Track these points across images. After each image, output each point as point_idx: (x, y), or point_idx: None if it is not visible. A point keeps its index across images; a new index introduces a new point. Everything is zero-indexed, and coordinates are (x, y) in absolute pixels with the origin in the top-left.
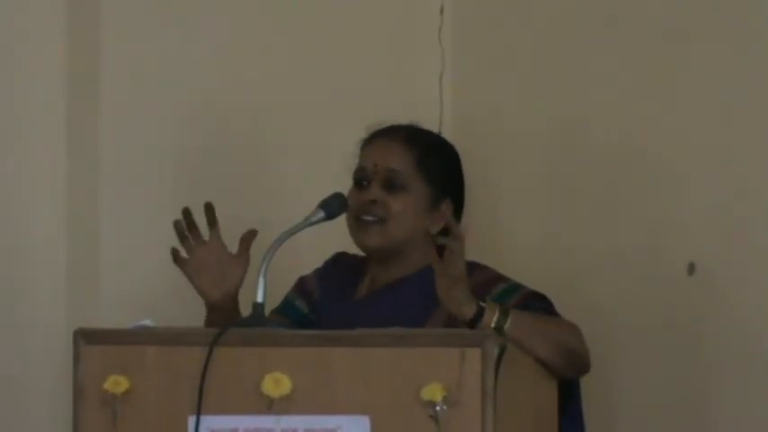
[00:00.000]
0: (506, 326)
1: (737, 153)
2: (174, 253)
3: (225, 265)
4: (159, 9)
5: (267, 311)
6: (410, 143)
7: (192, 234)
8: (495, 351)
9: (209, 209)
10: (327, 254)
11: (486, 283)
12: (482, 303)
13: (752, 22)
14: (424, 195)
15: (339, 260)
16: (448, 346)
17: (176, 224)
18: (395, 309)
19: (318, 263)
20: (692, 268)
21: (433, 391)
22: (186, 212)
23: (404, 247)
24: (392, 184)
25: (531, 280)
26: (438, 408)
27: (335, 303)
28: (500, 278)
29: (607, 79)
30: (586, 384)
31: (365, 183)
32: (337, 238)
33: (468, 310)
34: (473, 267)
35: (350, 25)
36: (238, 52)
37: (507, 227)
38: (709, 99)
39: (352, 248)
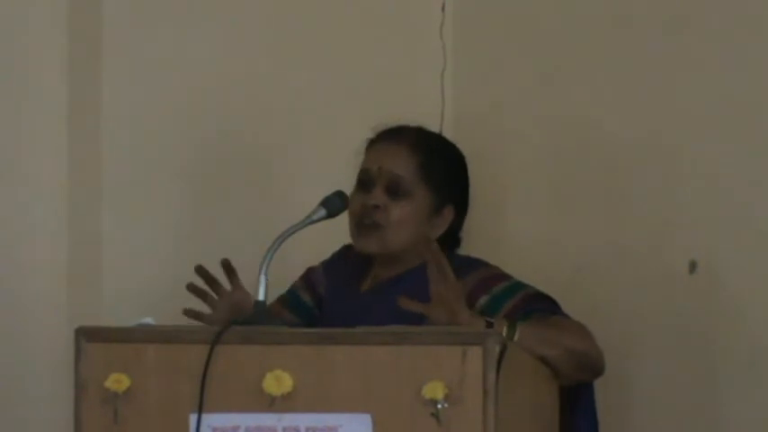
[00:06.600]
0: (515, 340)
1: (738, 150)
2: (191, 314)
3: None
4: (159, 9)
5: (272, 299)
6: (415, 148)
7: (213, 288)
8: (497, 349)
9: (227, 266)
10: (329, 252)
11: (486, 280)
12: (489, 319)
13: (752, 19)
14: (426, 201)
15: (347, 252)
16: (449, 345)
17: (190, 287)
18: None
19: (319, 261)
20: (693, 266)
21: (435, 389)
22: (200, 270)
23: (402, 250)
24: (396, 190)
25: (532, 278)
26: (439, 406)
27: (341, 296)
28: (502, 276)
29: (608, 76)
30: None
31: (369, 185)
32: (338, 236)
33: (477, 327)
34: (476, 264)
35: (351, 22)
36: (239, 49)
37: (508, 223)
38: (711, 97)
39: None
